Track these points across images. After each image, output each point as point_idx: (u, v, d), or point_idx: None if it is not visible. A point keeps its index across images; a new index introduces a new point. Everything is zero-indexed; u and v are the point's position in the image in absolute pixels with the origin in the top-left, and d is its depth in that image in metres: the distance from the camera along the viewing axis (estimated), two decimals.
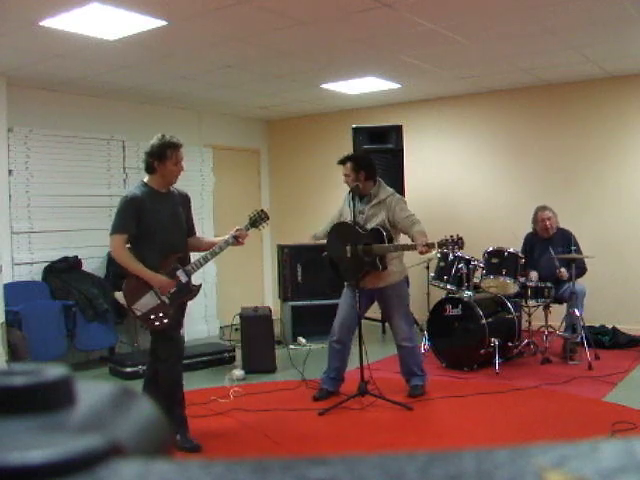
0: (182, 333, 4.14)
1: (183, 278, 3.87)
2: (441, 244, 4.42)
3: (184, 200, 4.08)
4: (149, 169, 3.87)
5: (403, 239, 4.75)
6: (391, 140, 6.87)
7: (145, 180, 3.92)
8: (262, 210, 4.20)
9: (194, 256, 4.05)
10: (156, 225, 3.80)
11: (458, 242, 4.42)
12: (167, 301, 3.81)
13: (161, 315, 3.79)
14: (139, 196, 3.80)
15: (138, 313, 3.81)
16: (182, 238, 3.97)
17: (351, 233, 4.59)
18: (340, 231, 4.74)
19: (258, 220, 4.11)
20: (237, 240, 3.96)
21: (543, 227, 5.95)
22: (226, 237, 3.99)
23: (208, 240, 4.29)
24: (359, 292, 4.56)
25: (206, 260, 3.98)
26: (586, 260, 5.74)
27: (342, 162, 4.81)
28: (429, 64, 6.04)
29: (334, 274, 4.86)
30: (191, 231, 4.11)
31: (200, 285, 4.04)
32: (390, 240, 4.54)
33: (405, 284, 4.91)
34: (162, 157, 3.81)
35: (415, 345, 4.88)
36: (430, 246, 4.32)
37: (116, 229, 3.79)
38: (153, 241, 3.79)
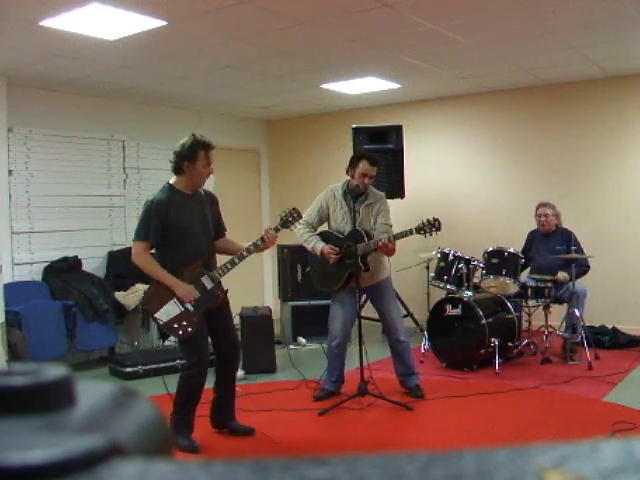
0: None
1: (208, 284, 3.75)
2: (419, 228, 4.43)
3: (211, 200, 3.94)
4: (177, 170, 3.75)
5: None
6: (391, 140, 6.86)
7: (171, 182, 3.80)
8: (294, 209, 3.99)
9: (220, 259, 3.90)
10: (181, 230, 3.69)
11: (435, 224, 4.44)
12: (191, 309, 3.70)
13: (185, 324, 3.68)
14: (164, 201, 3.69)
15: (161, 322, 3.71)
16: (208, 242, 3.84)
17: (330, 239, 4.57)
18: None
19: (290, 220, 3.94)
20: (264, 242, 3.79)
21: (538, 222, 6.05)
22: (255, 241, 3.84)
23: (236, 245, 4.05)
24: (350, 292, 4.55)
25: (233, 264, 3.82)
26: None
27: (375, 162, 4.54)
28: (429, 64, 6.04)
29: (319, 284, 4.78)
30: (220, 232, 3.97)
31: (226, 291, 3.86)
32: (370, 238, 4.49)
33: None
34: (192, 158, 3.69)
35: (409, 340, 4.90)
36: (408, 233, 4.38)
37: (138, 235, 3.71)
38: (178, 246, 3.69)
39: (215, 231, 3.93)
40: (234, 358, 4.01)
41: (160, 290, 3.72)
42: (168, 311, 3.69)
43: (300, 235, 4.62)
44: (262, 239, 3.80)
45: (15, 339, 5.22)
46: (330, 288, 4.68)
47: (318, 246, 4.50)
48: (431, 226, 4.43)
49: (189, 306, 3.70)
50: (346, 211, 4.55)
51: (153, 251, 3.79)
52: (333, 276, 4.56)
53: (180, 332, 3.69)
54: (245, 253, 3.80)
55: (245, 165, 8.83)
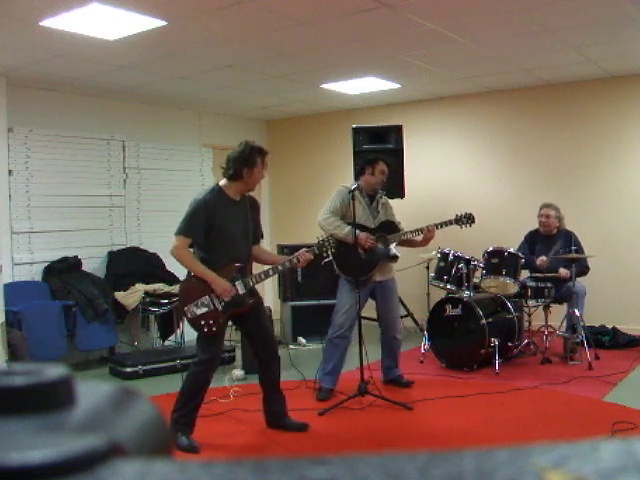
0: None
1: (240, 289, 3.82)
2: (457, 220, 4.93)
3: (254, 205, 4.04)
4: (235, 176, 3.81)
5: None
6: (391, 140, 6.87)
7: (221, 184, 3.87)
8: (331, 236, 4.12)
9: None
10: (223, 234, 3.77)
11: (470, 217, 4.97)
12: (220, 309, 3.78)
13: (211, 322, 3.77)
14: (212, 201, 3.76)
15: (189, 315, 3.79)
16: (247, 249, 3.93)
17: (363, 230, 4.71)
18: None
19: (326, 246, 4.01)
20: (298, 261, 3.89)
21: (539, 222, 6.05)
22: (290, 256, 3.96)
23: (269, 254, 4.30)
24: (367, 286, 4.70)
25: (267, 276, 3.95)
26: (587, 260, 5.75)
27: (388, 162, 4.93)
28: (429, 64, 6.04)
29: (346, 273, 4.76)
30: (257, 238, 4.06)
31: (255, 302, 3.94)
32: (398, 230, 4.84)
33: None
34: (251, 165, 3.79)
35: (402, 339, 5.18)
36: (448, 223, 4.86)
37: (182, 231, 3.76)
38: (217, 249, 3.77)
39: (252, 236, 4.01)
40: (271, 359, 4.05)
41: (193, 285, 3.81)
42: (198, 307, 3.77)
43: (330, 223, 4.65)
44: (297, 258, 3.90)
45: (15, 339, 5.22)
46: (359, 276, 4.65)
47: (350, 232, 4.56)
48: (467, 218, 4.95)
49: (219, 306, 3.78)
50: (365, 207, 4.81)
51: (191, 249, 3.85)
52: (364, 264, 4.67)
53: (205, 329, 3.77)
54: (280, 267, 3.94)
55: None
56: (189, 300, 3.80)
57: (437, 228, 4.78)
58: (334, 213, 4.70)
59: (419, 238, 4.82)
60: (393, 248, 4.79)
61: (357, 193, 4.74)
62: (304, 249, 3.97)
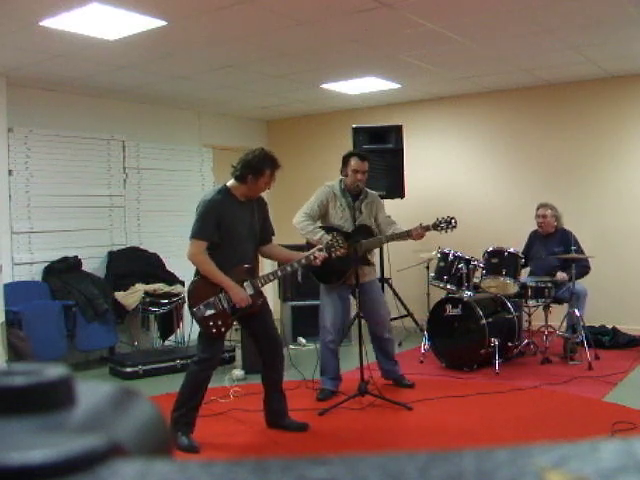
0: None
1: (249, 290, 3.81)
2: (435, 225, 4.59)
3: (261, 205, 4.01)
4: (241, 179, 3.78)
5: None
6: (391, 140, 6.87)
7: (228, 185, 3.85)
8: (338, 232, 4.10)
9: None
10: (230, 234, 3.75)
11: (451, 221, 4.60)
12: (229, 311, 3.77)
13: (220, 323, 3.75)
14: (220, 202, 3.74)
15: (198, 316, 3.77)
16: (253, 250, 3.92)
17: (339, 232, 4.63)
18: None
19: (334, 246, 4.00)
20: (315, 258, 3.88)
21: (537, 223, 6.07)
22: (302, 255, 3.92)
23: (284, 251, 4.16)
24: (346, 288, 4.67)
25: (276, 276, 3.95)
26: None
27: (365, 158, 4.72)
28: (429, 64, 6.04)
29: (319, 278, 4.74)
30: (268, 237, 4.03)
31: (264, 301, 3.93)
32: (375, 234, 4.68)
33: None
34: (258, 173, 3.76)
35: (393, 336, 5.09)
36: (425, 229, 4.51)
37: (197, 234, 3.73)
38: (225, 250, 3.75)
39: (261, 235, 3.98)
40: (275, 359, 4.01)
41: (204, 285, 3.78)
42: (207, 308, 3.75)
43: (304, 227, 4.61)
44: (307, 258, 3.89)
45: (16, 339, 5.21)
46: (332, 282, 4.67)
47: (326, 238, 4.51)
48: (447, 223, 4.59)
49: (227, 307, 3.76)
50: (345, 208, 4.67)
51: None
52: (337, 270, 4.60)
53: (214, 330, 3.76)
54: (289, 268, 3.91)
55: None
56: (198, 301, 3.79)
57: (427, 230, 4.59)
58: (310, 215, 4.63)
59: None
60: (368, 254, 4.68)
61: (338, 193, 4.67)
62: (318, 247, 3.97)
